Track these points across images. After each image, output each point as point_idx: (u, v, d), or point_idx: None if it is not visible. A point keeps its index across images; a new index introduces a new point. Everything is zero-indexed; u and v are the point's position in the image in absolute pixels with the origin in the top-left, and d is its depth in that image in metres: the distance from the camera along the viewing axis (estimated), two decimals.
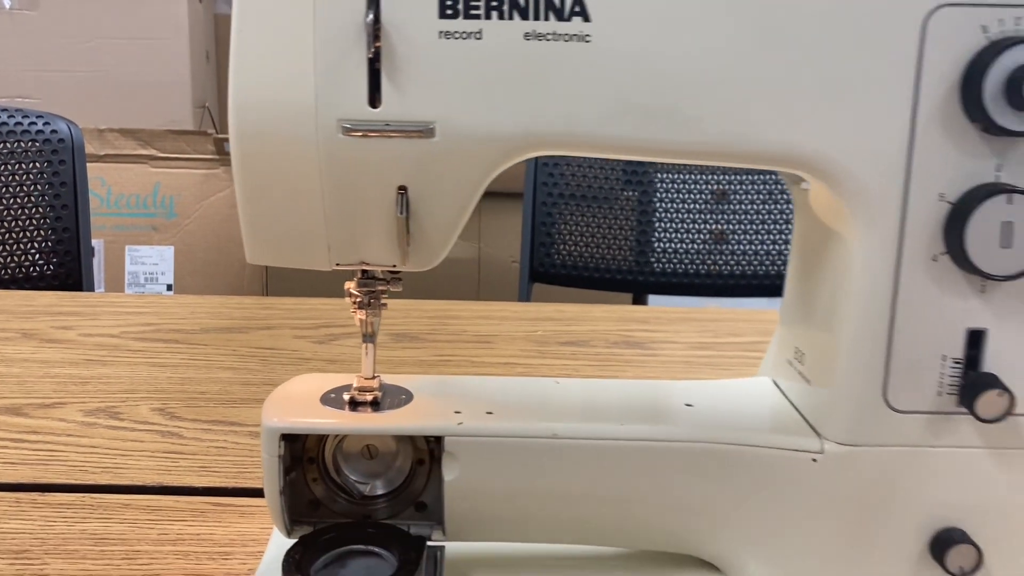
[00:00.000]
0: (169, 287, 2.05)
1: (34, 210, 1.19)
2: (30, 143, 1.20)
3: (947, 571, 0.37)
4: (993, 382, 0.35)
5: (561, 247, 1.48)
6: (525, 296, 1.40)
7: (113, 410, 0.65)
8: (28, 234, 1.20)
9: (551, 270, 1.44)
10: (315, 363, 0.77)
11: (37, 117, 1.22)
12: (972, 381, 0.36)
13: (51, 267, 1.19)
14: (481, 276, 1.98)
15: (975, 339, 0.36)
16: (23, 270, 1.20)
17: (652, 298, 1.71)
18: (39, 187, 1.20)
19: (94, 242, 1.37)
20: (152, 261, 2.06)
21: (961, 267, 0.35)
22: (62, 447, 0.59)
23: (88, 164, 1.26)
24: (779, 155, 0.35)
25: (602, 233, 1.55)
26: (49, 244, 1.19)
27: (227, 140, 1.41)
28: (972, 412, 0.35)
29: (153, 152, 2.04)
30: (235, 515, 0.51)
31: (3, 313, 0.86)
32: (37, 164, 1.19)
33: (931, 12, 0.34)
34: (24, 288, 1.17)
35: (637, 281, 1.56)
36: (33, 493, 0.53)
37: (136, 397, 0.68)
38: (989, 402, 0.35)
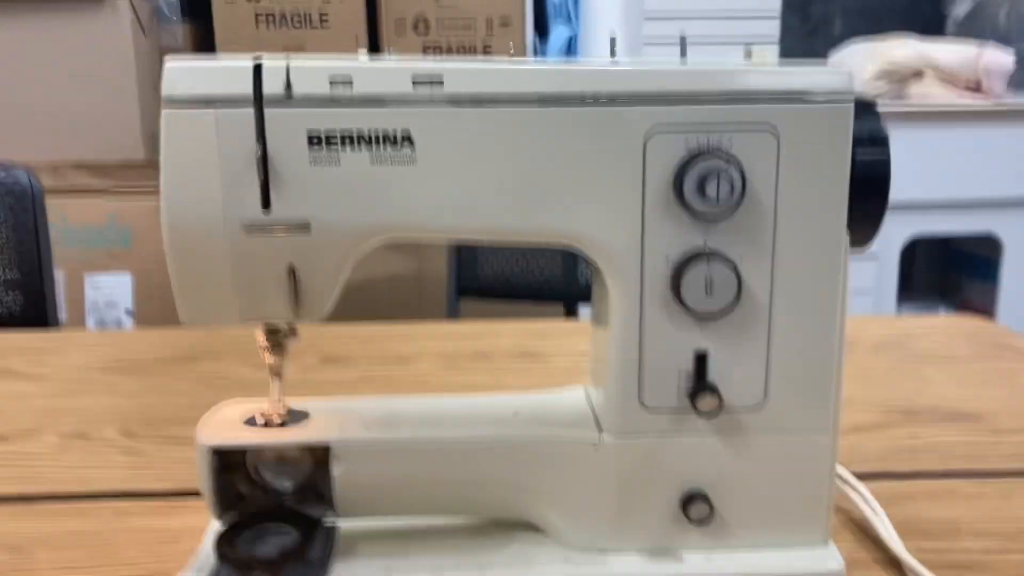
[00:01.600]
0: (128, 312, 2.16)
1: (1, 256, 1.31)
2: None
3: (690, 520, 0.52)
4: (710, 388, 0.50)
5: (486, 262, 1.62)
6: (453, 312, 1.54)
7: (84, 433, 0.79)
8: None
9: (475, 284, 1.57)
10: (255, 385, 0.90)
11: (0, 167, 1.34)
12: (696, 387, 0.51)
13: (18, 307, 1.32)
14: (423, 291, 2.12)
15: (700, 358, 0.51)
16: None
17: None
18: (4, 233, 1.32)
19: (56, 273, 1.48)
20: (111, 288, 2.17)
21: (684, 308, 0.50)
22: (42, 465, 0.73)
23: (46, 197, 1.38)
24: (558, 235, 0.50)
25: (530, 248, 1.68)
26: (16, 286, 1.31)
27: None
28: (695, 409, 0.50)
29: (107, 184, 2.15)
30: (186, 511, 0.65)
31: None
32: (1, 213, 1.32)
33: (650, 133, 0.49)
34: None
35: (566, 291, 1.70)
36: (21, 503, 0.66)
37: (103, 421, 0.81)
38: (706, 401, 0.50)
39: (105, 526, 0.63)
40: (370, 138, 0.48)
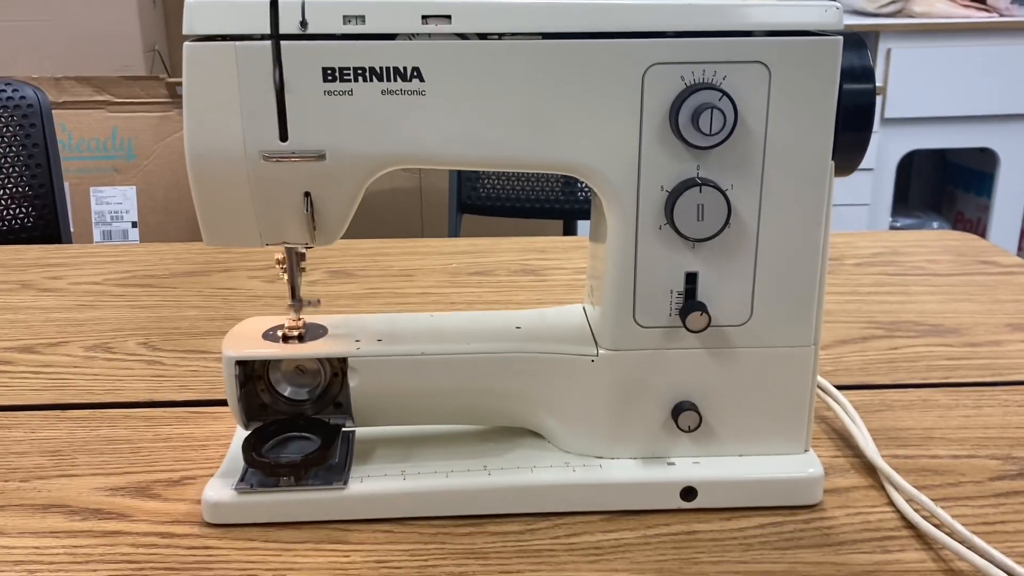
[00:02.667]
0: (134, 224, 2.20)
1: (11, 170, 1.34)
2: (1, 110, 1.34)
3: (680, 429, 0.57)
4: (699, 307, 0.54)
5: (487, 180, 1.64)
6: (454, 228, 1.57)
7: (107, 345, 0.83)
8: (8, 191, 1.35)
9: (478, 202, 1.60)
10: (266, 299, 0.95)
11: (6, 84, 1.36)
12: (687, 306, 0.55)
13: (31, 220, 1.35)
14: (423, 206, 2.14)
15: (691, 278, 0.55)
16: (6, 223, 1.36)
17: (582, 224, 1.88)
18: (14, 149, 1.34)
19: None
20: (116, 201, 2.20)
21: (677, 233, 0.53)
22: (72, 375, 0.77)
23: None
24: (559, 164, 0.53)
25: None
26: (28, 200, 1.34)
27: (179, 84, 1.54)
28: (685, 326, 0.54)
29: (109, 98, 2.15)
30: (209, 419, 0.69)
31: (1, 267, 1.03)
32: (10, 129, 1.34)
33: (648, 67, 0.51)
34: (10, 241, 1.33)
35: (564, 209, 1.73)
36: (56, 411, 0.71)
37: (123, 334, 0.86)
38: (695, 320, 0.54)
39: (136, 434, 0.67)
40: (381, 72, 0.51)
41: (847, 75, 0.52)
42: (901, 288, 0.96)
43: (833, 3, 0.51)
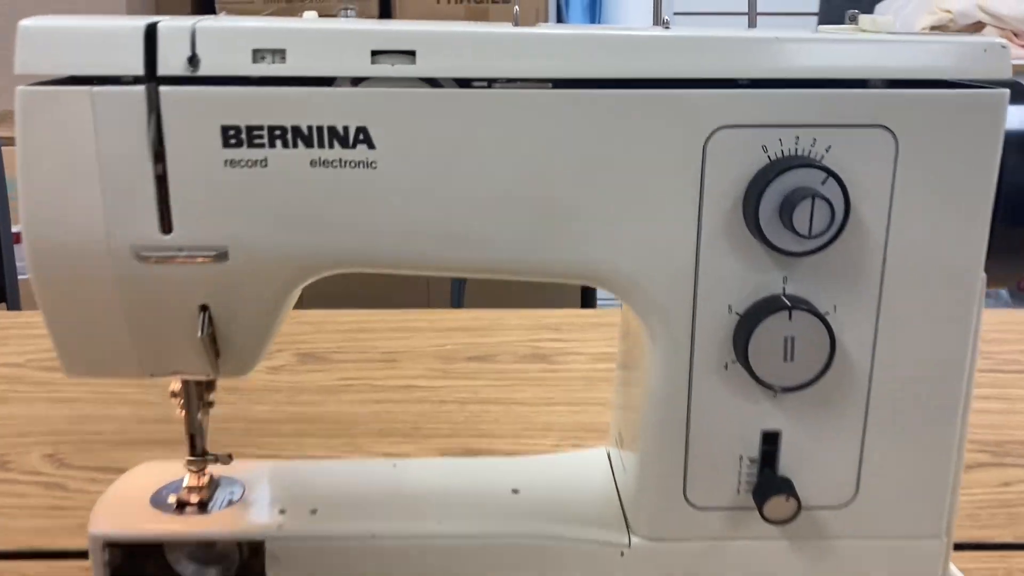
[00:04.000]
0: None
1: None
2: None
3: None
4: (784, 487, 0.36)
5: None
6: (457, 284, 1.40)
7: (3, 458, 0.66)
8: None
9: None
10: (219, 394, 0.77)
11: None
12: (764, 483, 0.37)
13: None
14: None
15: (770, 439, 0.37)
16: None
17: None
18: None
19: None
20: None
21: (752, 376, 0.36)
22: None
23: None
24: (571, 271, 0.36)
25: None
26: None
27: None
28: (762, 515, 0.36)
29: None
30: None
31: None
32: None
33: (713, 132, 0.34)
34: None
35: None
36: None
37: (28, 442, 0.68)
38: (777, 506, 0.36)
39: None
40: (310, 134, 0.34)
41: (1013, 144, 0.35)
42: (999, 392, 0.78)
43: (996, 40, 0.34)
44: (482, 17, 1.92)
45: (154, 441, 0.65)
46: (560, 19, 2.05)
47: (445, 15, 1.90)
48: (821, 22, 2.38)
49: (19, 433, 0.69)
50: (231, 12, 1.77)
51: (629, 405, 0.41)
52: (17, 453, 0.67)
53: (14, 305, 1.35)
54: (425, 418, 0.72)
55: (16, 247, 1.25)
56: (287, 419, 0.72)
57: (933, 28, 2.00)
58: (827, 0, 2.44)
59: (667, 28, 0.35)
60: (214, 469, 0.42)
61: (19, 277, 1.28)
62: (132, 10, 2.06)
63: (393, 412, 0.74)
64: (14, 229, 1.26)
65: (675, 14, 2.23)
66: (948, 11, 2.00)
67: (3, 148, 1.23)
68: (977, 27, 2.03)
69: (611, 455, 0.45)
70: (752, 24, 0.44)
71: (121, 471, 0.64)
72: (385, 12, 1.82)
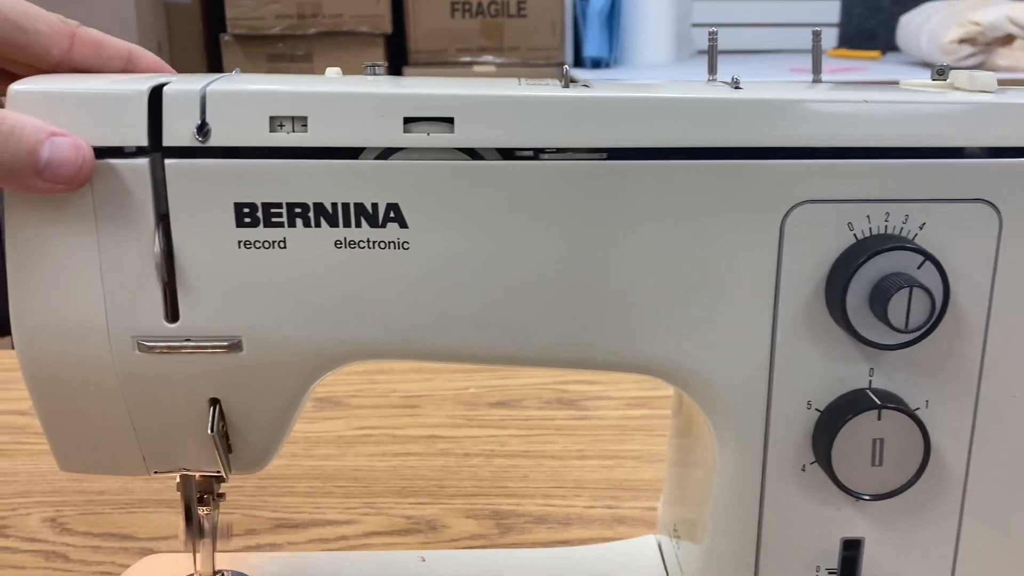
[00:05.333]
0: None
1: None
2: None
3: None
4: None
5: None
6: None
7: (3, 522, 0.62)
8: None
9: None
10: None
11: None
12: None
13: None
14: None
15: (851, 546, 0.33)
16: None
17: None
18: None
19: None
20: None
21: (834, 481, 0.32)
22: None
23: None
24: (626, 363, 0.32)
25: None
26: None
27: None
28: None
29: None
30: None
31: None
32: None
33: (792, 208, 0.30)
34: None
35: None
36: None
37: (30, 502, 0.64)
38: None
39: None
40: (334, 212, 0.30)
41: None
42: None
43: None
44: (497, 32, 1.89)
45: (159, 500, 0.62)
46: (577, 30, 2.01)
47: (459, 30, 1.86)
48: (842, 34, 2.34)
49: (20, 493, 0.66)
50: (240, 27, 1.74)
51: (688, 500, 0.37)
52: (18, 516, 0.63)
53: None
54: (449, 473, 0.68)
55: None
56: (302, 475, 0.68)
57: (962, 41, 1.95)
58: (847, 11, 2.40)
59: (737, 87, 0.31)
60: (223, 565, 0.38)
61: None
62: (143, 22, 2.02)
63: (415, 467, 0.70)
64: None
65: (693, 25, 2.18)
66: (977, 23, 1.95)
67: None
68: (1007, 40, 1.98)
69: (663, 547, 0.41)
70: (816, 74, 0.40)
71: (125, 538, 0.60)
72: (398, 27, 1.79)
